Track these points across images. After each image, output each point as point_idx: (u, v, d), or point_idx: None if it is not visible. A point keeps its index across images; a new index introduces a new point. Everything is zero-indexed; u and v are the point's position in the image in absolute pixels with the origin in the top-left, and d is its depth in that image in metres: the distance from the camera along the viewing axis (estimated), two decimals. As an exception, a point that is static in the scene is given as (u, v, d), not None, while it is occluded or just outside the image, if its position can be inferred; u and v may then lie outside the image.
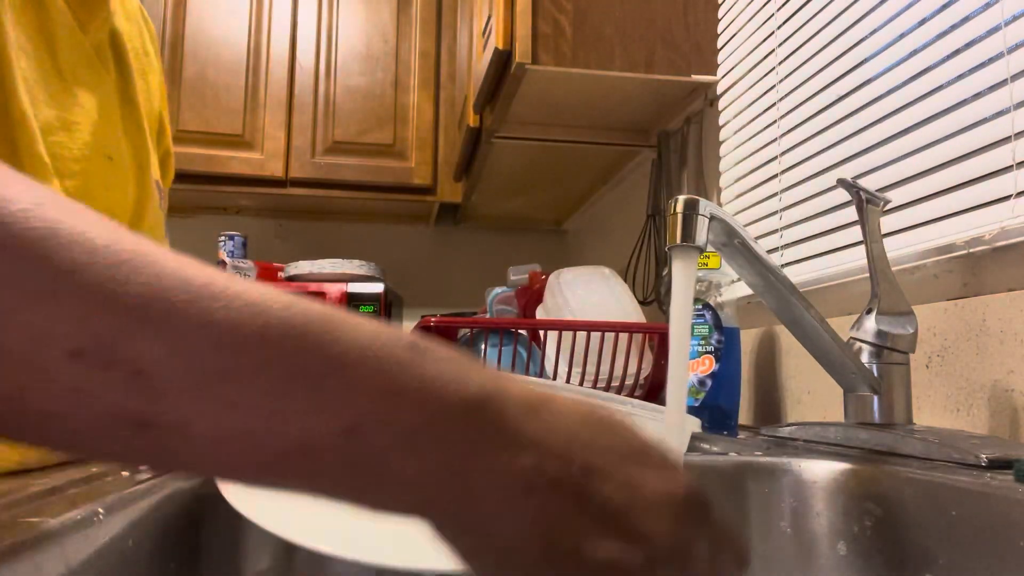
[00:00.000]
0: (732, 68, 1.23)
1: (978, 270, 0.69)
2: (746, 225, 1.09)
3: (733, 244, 0.63)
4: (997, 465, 0.53)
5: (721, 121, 1.26)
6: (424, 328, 1.05)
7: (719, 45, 1.29)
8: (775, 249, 1.05)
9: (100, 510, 0.35)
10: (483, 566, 0.26)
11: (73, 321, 0.22)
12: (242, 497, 0.42)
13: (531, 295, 1.29)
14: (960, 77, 0.73)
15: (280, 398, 0.24)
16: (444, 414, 0.24)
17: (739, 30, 1.22)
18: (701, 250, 0.59)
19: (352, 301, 2.00)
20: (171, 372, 0.23)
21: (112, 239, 0.24)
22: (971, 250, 0.69)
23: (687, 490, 0.27)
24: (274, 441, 0.24)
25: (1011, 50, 0.66)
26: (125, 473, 0.47)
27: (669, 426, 0.44)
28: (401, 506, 0.25)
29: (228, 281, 0.24)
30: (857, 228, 0.75)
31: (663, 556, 0.26)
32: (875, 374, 0.67)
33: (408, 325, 2.46)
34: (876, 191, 0.71)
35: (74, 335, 0.22)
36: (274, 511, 0.41)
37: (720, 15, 1.30)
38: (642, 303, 1.29)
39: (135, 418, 0.23)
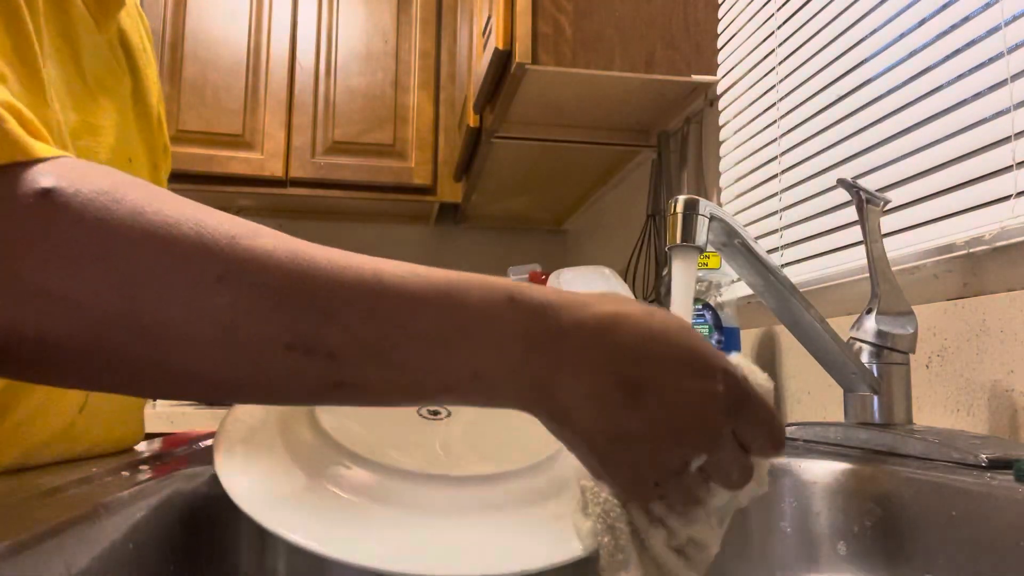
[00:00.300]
0: (732, 68, 1.23)
1: (978, 270, 0.69)
2: (746, 225, 1.09)
3: (733, 244, 0.63)
4: (997, 465, 0.53)
5: (721, 121, 1.26)
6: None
7: (719, 45, 1.29)
8: (775, 249, 1.05)
9: (100, 510, 0.35)
10: (570, 446, 0.37)
11: (284, 323, 0.33)
12: (246, 498, 0.42)
13: (531, 295, 1.29)
14: (960, 77, 0.73)
15: (430, 359, 0.35)
16: (530, 351, 0.35)
17: (739, 30, 1.22)
18: (701, 250, 0.59)
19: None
20: (352, 352, 0.33)
21: (292, 250, 0.34)
22: (971, 250, 0.69)
23: (725, 386, 0.36)
24: (427, 387, 0.35)
25: (1011, 50, 0.66)
26: (125, 473, 0.47)
27: None
28: (502, 404, 0.37)
29: (372, 266, 0.35)
30: (857, 228, 0.75)
31: (697, 445, 0.36)
32: (875, 374, 0.67)
33: (408, 325, 2.46)
34: (876, 191, 0.71)
35: (286, 333, 0.33)
36: (285, 516, 0.41)
37: (720, 15, 1.30)
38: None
39: (331, 382, 0.34)
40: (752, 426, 0.37)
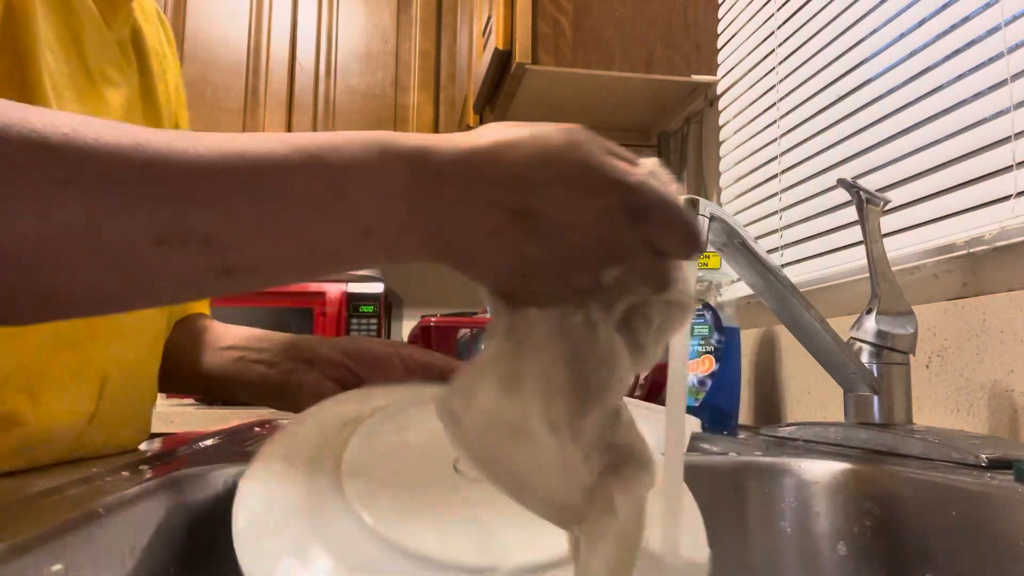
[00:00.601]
0: (732, 68, 1.23)
1: (978, 270, 0.69)
2: (746, 225, 1.09)
3: (733, 244, 0.63)
4: (997, 465, 0.53)
5: (721, 121, 1.26)
6: (424, 328, 1.05)
7: (719, 45, 1.29)
8: (775, 249, 1.05)
9: (100, 510, 0.35)
10: (468, 274, 0.36)
11: (150, 218, 0.31)
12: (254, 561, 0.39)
13: (531, 295, 1.29)
14: (960, 77, 0.73)
15: (314, 225, 0.33)
16: (415, 199, 0.34)
17: (739, 30, 1.22)
18: (701, 250, 0.59)
19: (352, 301, 2.00)
20: (229, 234, 0.32)
21: (137, 140, 0.32)
22: (971, 250, 0.69)
23: (622, 198, 0.34)
24: (319, 255, 0.35)
25: (1011, 50, 0.66)
26: (125, 473, 0.47)
27: (669, 426, 0.44)
28: (408, 258, 0.36)
29: (232, 144, 0.33)
30: (857, 228, 0.75)
31: (604, 259, 0.34)
32: (875, 374, 0.67)
33: (408, 325, 2.46)
34: (876, 191, 0.71)
35: (154, 228, 0.31)
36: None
37: (720, 15, 1.30)
38: (642, 303, 1.29)
39: (217, 269, 0.33)
40: (662, 231, 0.35)
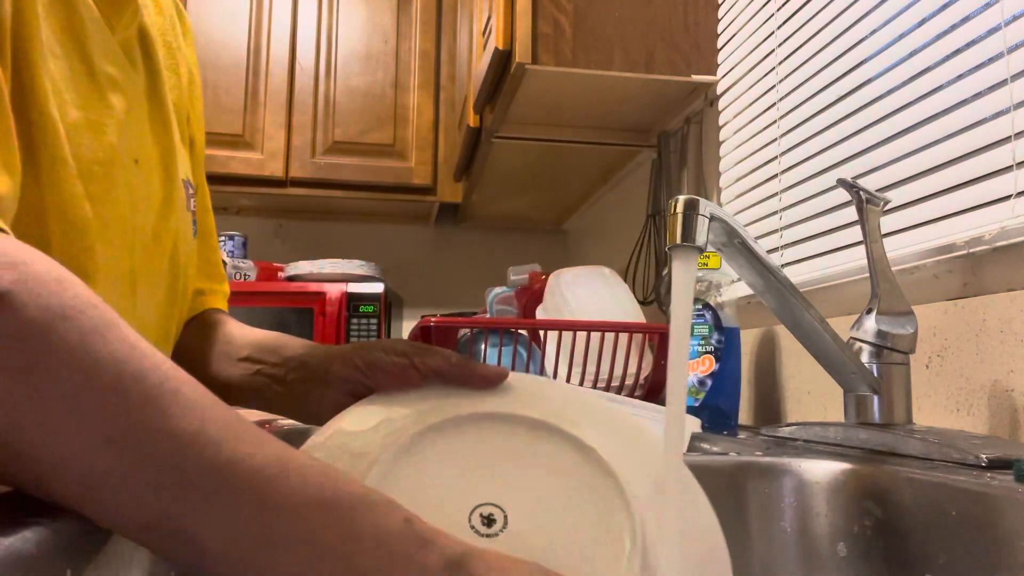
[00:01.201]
0: (732, 68, 1.23)
1: (978, 270, 0.69)
2: (746, 225, 1.09)
3: (733, 244, 0.63)
4: (997, 465, 0.53)
5: (721, 121, 1.26)
6: (424, 328, 1.05)
7: (719, 45, 1.29)
8: (775, 249, 1.05)
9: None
10: None
11: (150, 504, 0.31)
12: None
13: (531, 295, 1.29)
14: (960, 77, 0.73)
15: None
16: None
17: (739, 30, 1.22)
18: (701, 250, 0.59)
19: (352, 301, 2.00)
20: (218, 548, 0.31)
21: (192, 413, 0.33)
22: (971, 250, 0.69)
23: None
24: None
25: (1011, 50, 0.66)
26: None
27: (669, 426, 0.44)
28: None
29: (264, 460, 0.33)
30: (857, 228, 0.75)
31: None
32: (875, 374, 0.67)
33: (408, 325, 2.46)
34: (876, 191, 0.71)
35: (150, 516, 0.31)
36: None
37: (720, 15, 1.30)
38: (642, 303, 1.29)
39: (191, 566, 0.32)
40: None
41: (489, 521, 0.40)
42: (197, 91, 0.75)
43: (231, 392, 0.67)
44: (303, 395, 0.60)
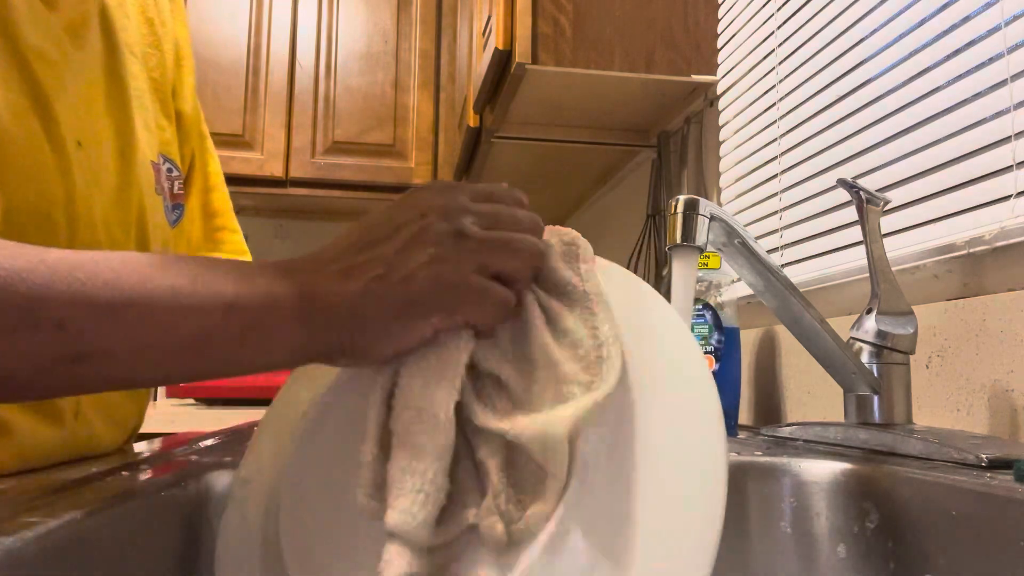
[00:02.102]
0: (732, 68, 1.23)
1: (978, 270, 0.69)
2: (746, 225, 1.09)
3: (733, 244, 0.63)
4: (997, 465, 0.53)
5: (721, 121, 1.26)
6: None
7: (719, 45, 1.29)
8: (775, 249, 1.05)
9: (99, 511, 0.35)
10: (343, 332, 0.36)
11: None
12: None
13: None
14: (960, 77, 0.73)
15: (172, 305, 0.33)
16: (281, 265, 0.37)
17: (739, 30, 1.22)
18: (701, 250, 0.59)
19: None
20: (83, 318, 0.32)
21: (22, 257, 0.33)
22: (971, 250, 0.69)
23: (438, 209, 0.38)
24: (177, 334, 0.34)
25: (1011, 50, 0.66)
26: (125, 473, 0.47)
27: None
28: (279, 336, 0.36)
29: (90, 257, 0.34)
30: (857, 228, 0.75)
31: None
32: (875, 374, 0.67)
33: (408, 325, 2.45)
34: (876, 191, 0.71)
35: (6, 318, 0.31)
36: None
37: (720, 15, 1.30)
38: (642, 303, 1.29)
39: (71, 355, 0.32)
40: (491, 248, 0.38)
41: None
42: (186, 64, 0.73)
43: None
44: None
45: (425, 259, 0.36)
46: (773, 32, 1.10)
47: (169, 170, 0.67)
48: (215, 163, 0.78)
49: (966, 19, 0.72)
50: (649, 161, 1.54)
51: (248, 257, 0.78)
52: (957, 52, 0.73)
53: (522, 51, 1.25)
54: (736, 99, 1.21)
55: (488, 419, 0.35)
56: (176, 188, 0.68)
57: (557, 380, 0.35)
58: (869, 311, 0.68)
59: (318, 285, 0.36)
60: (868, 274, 0.69)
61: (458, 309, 0.36)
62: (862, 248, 0.70)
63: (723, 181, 1.23)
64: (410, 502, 0.32)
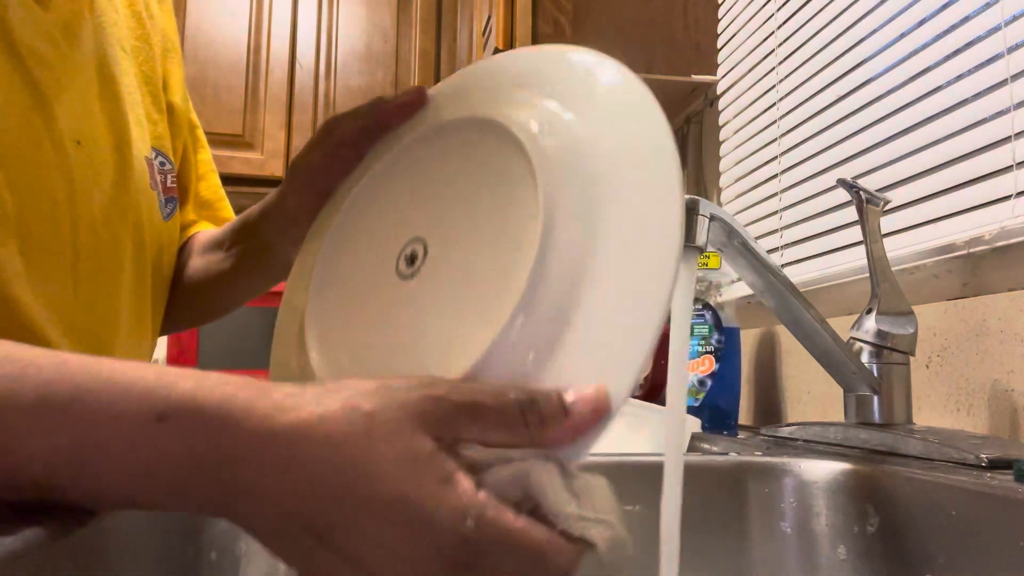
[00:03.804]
0: (732, 68, 1.23)
1: (978, 270, 0.69)
2: (746, 225, 1.09)
3: (733, 244, 0.63)
4: (997, 465, 0.53)
5: (721, 121, 1.26)
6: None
7: (719, 45, 1.29)
8: (775, 249, 1.05)
9: (100, 517, 0.35)
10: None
11: None
12: None
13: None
14: (960, 77, 0.73)
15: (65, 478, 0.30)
16: (191, 477, 0.28)
17: (739, 30, 1.22)
18: (701, 250, 0.59)
19: (352, 301, 1.99)
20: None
21: None
22: (971, 250, 0.69)
23: (447, 543, 0.27)
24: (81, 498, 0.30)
25: (1011, 50, 0.66)
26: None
27: (669, 426, 0.44)
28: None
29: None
30: (857, 228, 0.75)
31: None
32: (875, 374, 0.67)
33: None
34: (876, 191, 0.70)
35: None
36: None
37: (720, 15, 1.30)
38: (642, 303, 1.29)
39: None
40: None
41: (411, 259, 0.39)
42: (175, 56, 0.73)
43: (230, 281, 0.68)
44: (288, 244, 0.58)
45: None
46: (773, 32, 1.10)
47: (162, 163, 0.67)
48: (205, 152, 0.78)
49: (966, 19, 0.72)
50: (649, 161, 1.54)
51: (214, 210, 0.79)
52: (957, 52, 0.73)
53: (522, 51, 1.25)
54: (736, 99, 1.21)
55: None
56: (169, 181, 0.68)
57: None
58: (869, 311, 0.68)
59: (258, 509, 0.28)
60: (868, 274, 0.69)
61: None
62: (862, 248, 0.70)
63: (723, 181, 1.23)
64: None
